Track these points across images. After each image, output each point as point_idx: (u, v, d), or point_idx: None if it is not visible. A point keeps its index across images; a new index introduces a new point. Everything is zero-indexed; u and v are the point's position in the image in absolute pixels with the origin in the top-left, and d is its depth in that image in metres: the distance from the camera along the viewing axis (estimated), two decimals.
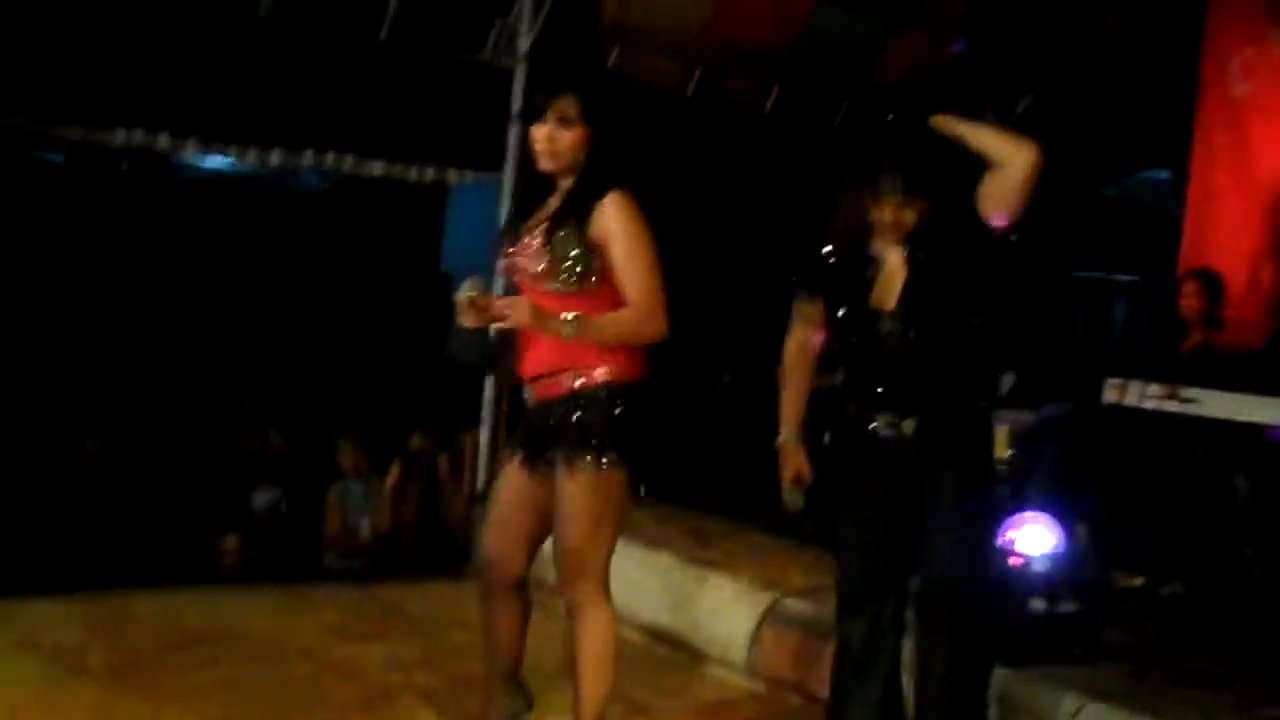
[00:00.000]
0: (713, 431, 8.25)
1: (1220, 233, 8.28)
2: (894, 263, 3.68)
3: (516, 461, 3.56)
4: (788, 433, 4.05)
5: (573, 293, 3.38)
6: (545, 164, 3.45)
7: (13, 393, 7.30)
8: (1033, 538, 4.68)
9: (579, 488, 3.36)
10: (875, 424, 3.69)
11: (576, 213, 3.38)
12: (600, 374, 3.39)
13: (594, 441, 3.35)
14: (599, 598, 3.50)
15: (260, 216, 9.54)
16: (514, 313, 3.30)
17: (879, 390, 3.69)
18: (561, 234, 3.37)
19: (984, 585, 3.81)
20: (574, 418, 3.38)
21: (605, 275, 3.39)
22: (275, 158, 7.26)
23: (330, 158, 7.42)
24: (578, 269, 3.36)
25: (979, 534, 3.78)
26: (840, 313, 3.79)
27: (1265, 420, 5.42)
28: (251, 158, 7.22)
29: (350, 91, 7.36)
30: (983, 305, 3.68)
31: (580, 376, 3.40)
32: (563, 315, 3.30)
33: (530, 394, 3.53)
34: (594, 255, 3.36)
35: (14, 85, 6.62)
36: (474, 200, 8.37)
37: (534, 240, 3.43)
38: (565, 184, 3.48)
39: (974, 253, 3.62)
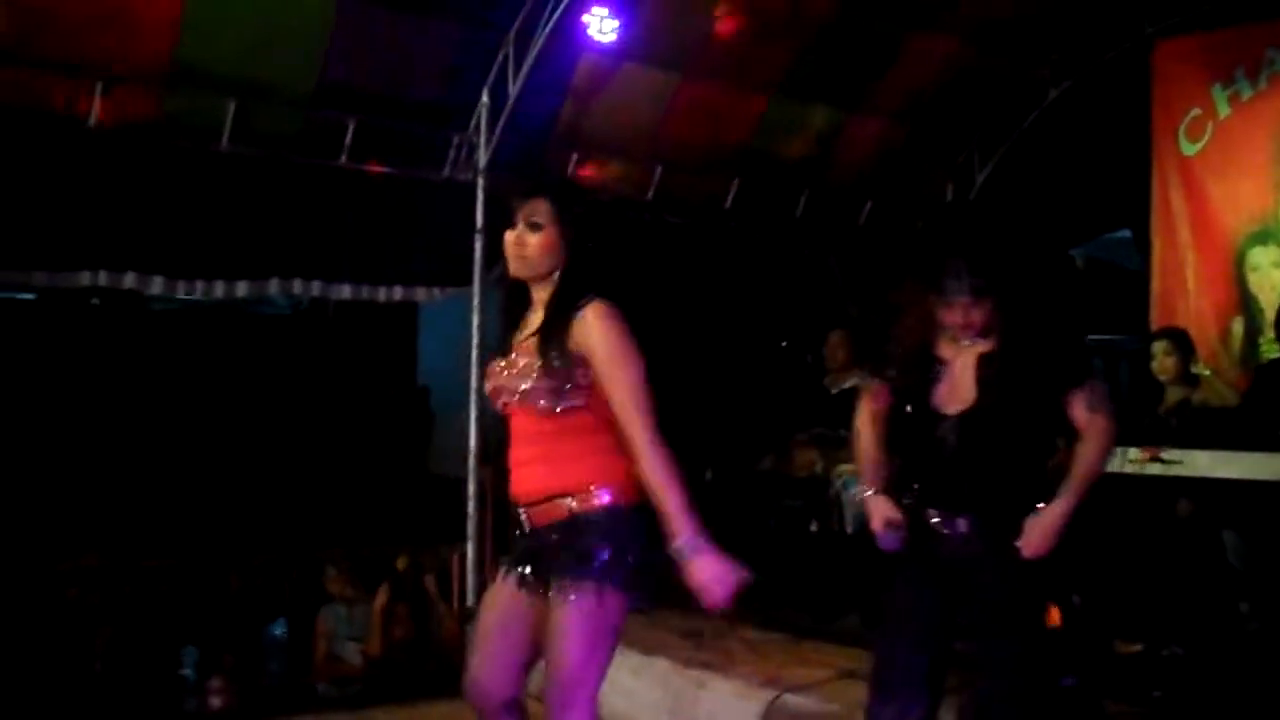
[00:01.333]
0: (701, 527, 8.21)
1: (1187, 291, 8.38)
2: (960, 367, 3.73)
3: (508, 580, 3.43)
4: (871, 490, 4.02)
5: (560, 411, 3.29)
6: (514, 268, 3.38)
7: None
8: None
9: (576, 615, 3.22)
10: (928, 517, 3.73)
11: (557, 326, 3.30)
12: (600, 498, 3.27)
13: (594, 568, 3.22)
14: None
15: (235, 342, 9.53)
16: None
17: (935, 487, 3.75)
18: (547, 350, 3.29)
19: (1042, 691, 3.83)
20: (574, 544, 3.26)
21: (591, 389, 3.29)
22: (242, 289, 7.26)
23: (296, 284, 7.42)
24: (563, 385, 3.27)
25: (1037, 639, 3.77)
26: (904, 409, 3.86)
27: (1248, 476, 5.43)
28: (219, 290, 7.21)
29: (313, 216, 7.40)
30: (1049, 420, 3.76)
31: (578, 500, 3.28)
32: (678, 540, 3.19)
33: (525, 517, 3.38)
34: (576, 369, 3.27)
35: None
36: (446, 312, 8.39)
37: (519, 359, 3.35)
38: (541, 294, 3.40)
39: (1042, 375, 3.69)
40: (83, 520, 7.69)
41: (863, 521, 6.37)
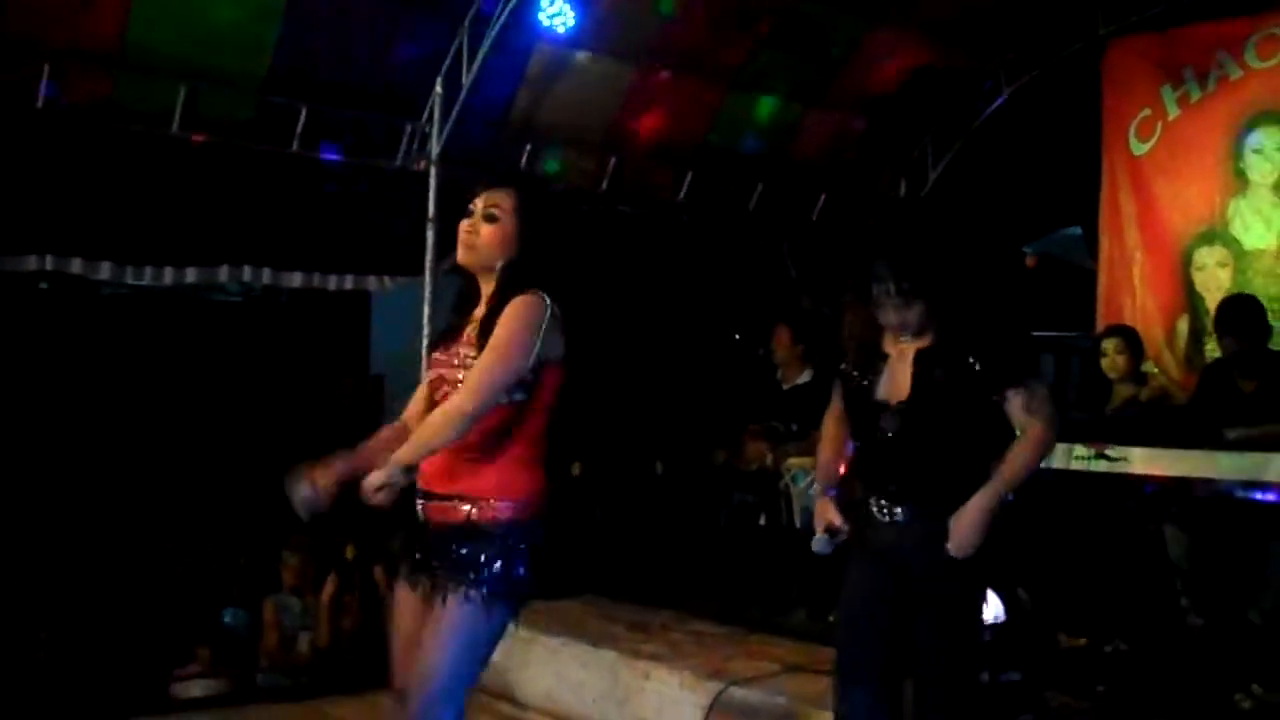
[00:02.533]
0: (650, 521, 8.23)
1: (1134, 289, 8.45)
2: (900, 362, 3.77)
3: (407, 579, 3.37)
4: (819, 487, 4.08)
5: (500, 404, 3.22)
6: (462, 256, 3.35)
7: None
8: None
9: (457, 620, 3.19)
10: (871, 505, 3.77)
11: (494, 319, 3.23)
12: (499, 510, 3.23)
13: (482, 579, 3.19)
14: None
15: (186, 327, 9.43)
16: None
17: (876, 475, 3.79)
18: (483, 343, 3.22)
19: (972, 683, 3.87)
20: (465, 551, 3.21)
21: (531, 388, 3.25)
22: (191, 275, 7.20)
23: (247, 271, 7.37)
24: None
25: (969, 631, 3.80)
26: (852, 404, 3.90)
27: (1192, 474, 5.49)
28: (168, 276, 7.14)
29: (264, 203, 7.34)
30: (989, 415, 3.75)
31: (477, 508, 3.23)
32: (389, 465, 3.12)
33: (422, 507, 3.33)
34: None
35: None
36: (401, 301, 8.34)
37: (463, 349, 3.30)
38: (486, 287, 3.36)
39: (977, 372, 3.69)
40: (31, 507, 7.61)
41: (811, 516, 6.44)
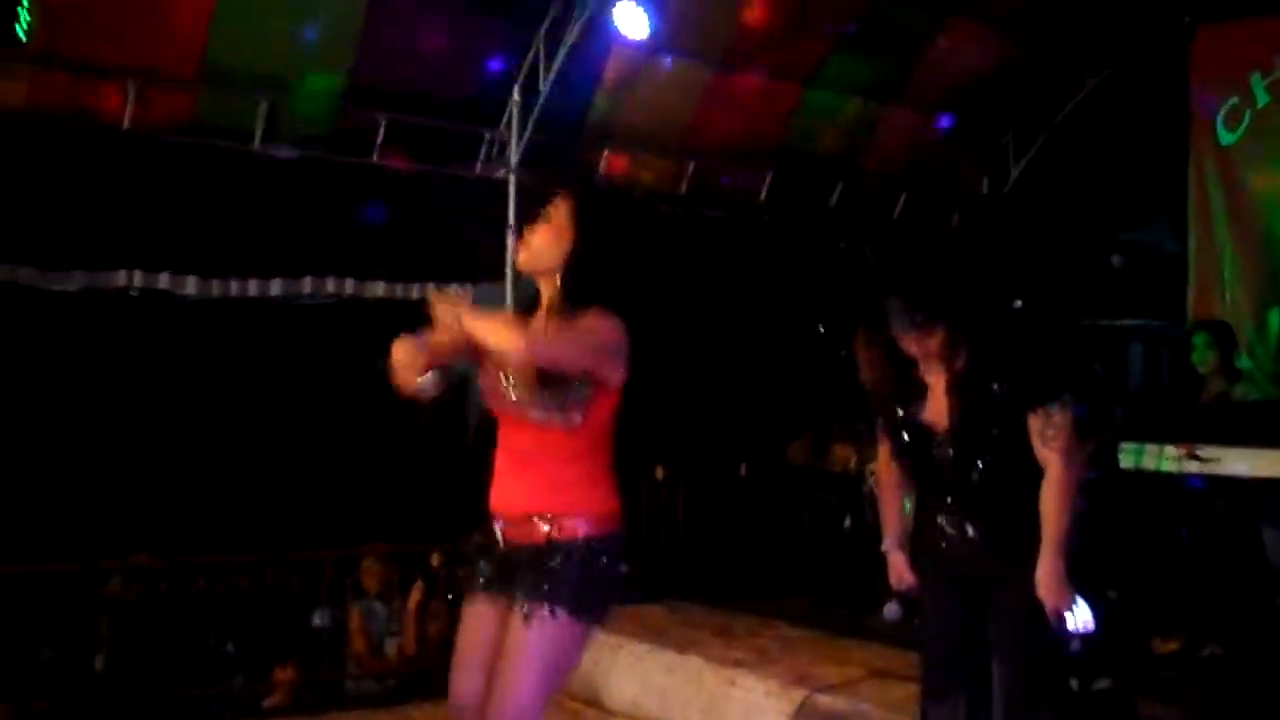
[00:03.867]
0: (734, 523, 8.20)
1: (1223, 282, 8.29)
2: (939, 389, 3.74)
3: (482, 595, 3.33)
4: (889, 542, 4.03)
5: (555, 423, 3.20)
6: (520, 260, 3.34)
7: (43, 527, 7.28)
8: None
9: (535, 637, 3.17)
10: (941, 521, 3.75)
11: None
12: (576, 527, 3.21)
13: (562, 596, 3.17)
14: None
15: (272, 332, 9.53)
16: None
17: (943, 497, 3.76)
18: None
19: (1056, 692, 3.84)
20: (545, 569, 3.19)
21: (589, 405, 3.21)
22: (275, 287, 7.32)
23: (330, 283, 7.46)
24: (559, 396, 3.19)
25: (1045, 640, 3.76)
26: (902, 439, 3.85)
27: None
28: (252, 288, 7.26)
29: (345, 214, 7.43)
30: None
31: (555, 526, 3.21)
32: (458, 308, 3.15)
33: (500, 530, 3.32)
34: (573, 381, 3.19)
35: (19, 240, 6.71)
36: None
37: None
38: (547, 292, 3.33)
39: (1004, 396, 3.65)
40: (119, 516, 7.72)
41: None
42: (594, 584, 3.23)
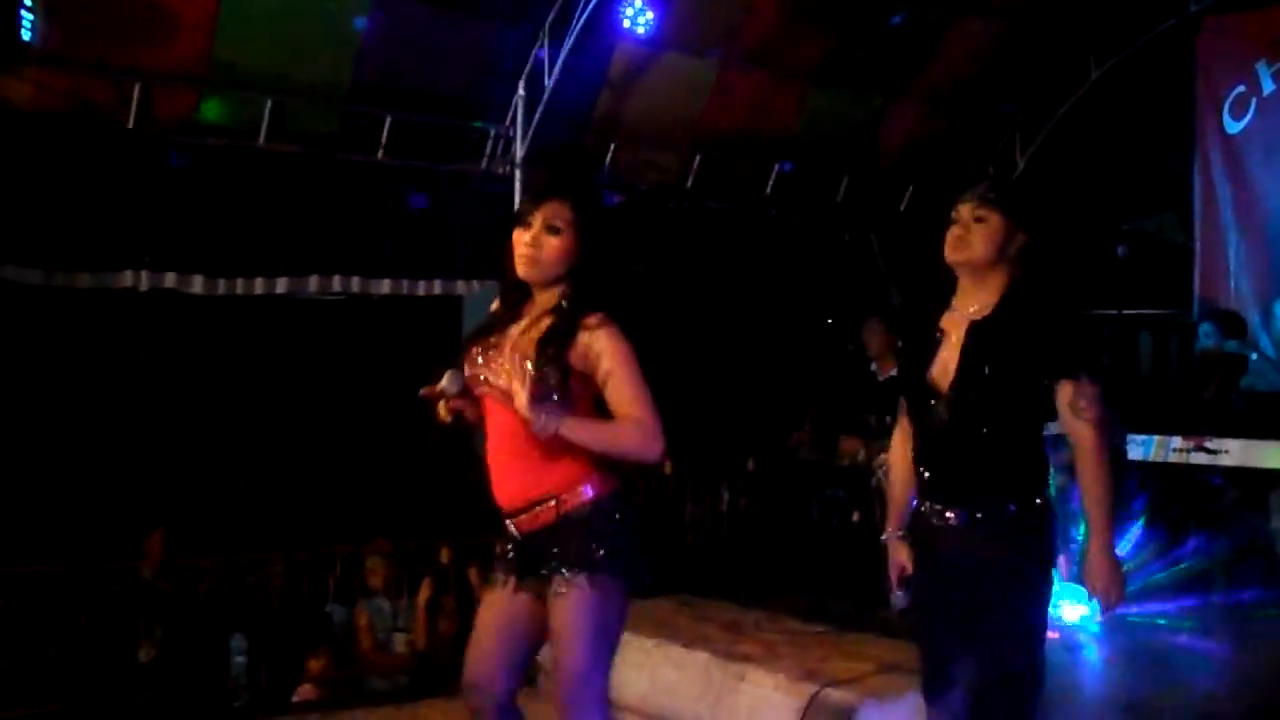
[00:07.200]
0: (742, 518, 8.21)
1: (1229, 271, 8.28)
2: (954, 338, 3.48)
3: (505, 585, 3.37)
4: (889, 532, 3.81)
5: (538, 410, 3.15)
6: (525, 270, 3.27)
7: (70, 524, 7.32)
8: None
9: (578, 612, 3.21)
10: (925, 511, 3.57)
11: (562, 336, 3.22)
12: (583, 494, 3.25)
13: (589, 562, 3.21)
14: None
15: (280, 327, 9.54)
16: (517, 400, 3.10)
17: (927, 475, 3.56)
18: (545, 358, 3.20)
19: (1034, 691, 3.70)
20: (565, 543, 3.23)
21: (576, 402, 3.23)
22: (281, 285, 7.33)
23: (336, 281, 7.48)
24: (554, 395, 3.19)
25: (1031, 637, 3.64)
26: (906, 388, 3.61)
27: None
28: (258, 287, 7.28)
29: (350, 212, 7.44)
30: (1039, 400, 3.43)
31: (562, 501, 3.24)
32: (544, 414, 3.11)
33: (511, 526, 3.34)
34: (571, 380, 3.21)
35: (26, 241, 6.72)
36: (491, 302, 8.35)
37: (513, 359, 3.22)
38: (542, 297, 3.31)
39: (1038, 346, 3.38)
40: (126, 515, 7.74)
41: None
42: (614, 542, 3.24)
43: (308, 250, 7.36)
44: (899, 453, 3.75)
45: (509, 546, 3.37)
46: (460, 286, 7.94)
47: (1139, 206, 9.90)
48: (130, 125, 6.65)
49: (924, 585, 3.65)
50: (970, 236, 3.42)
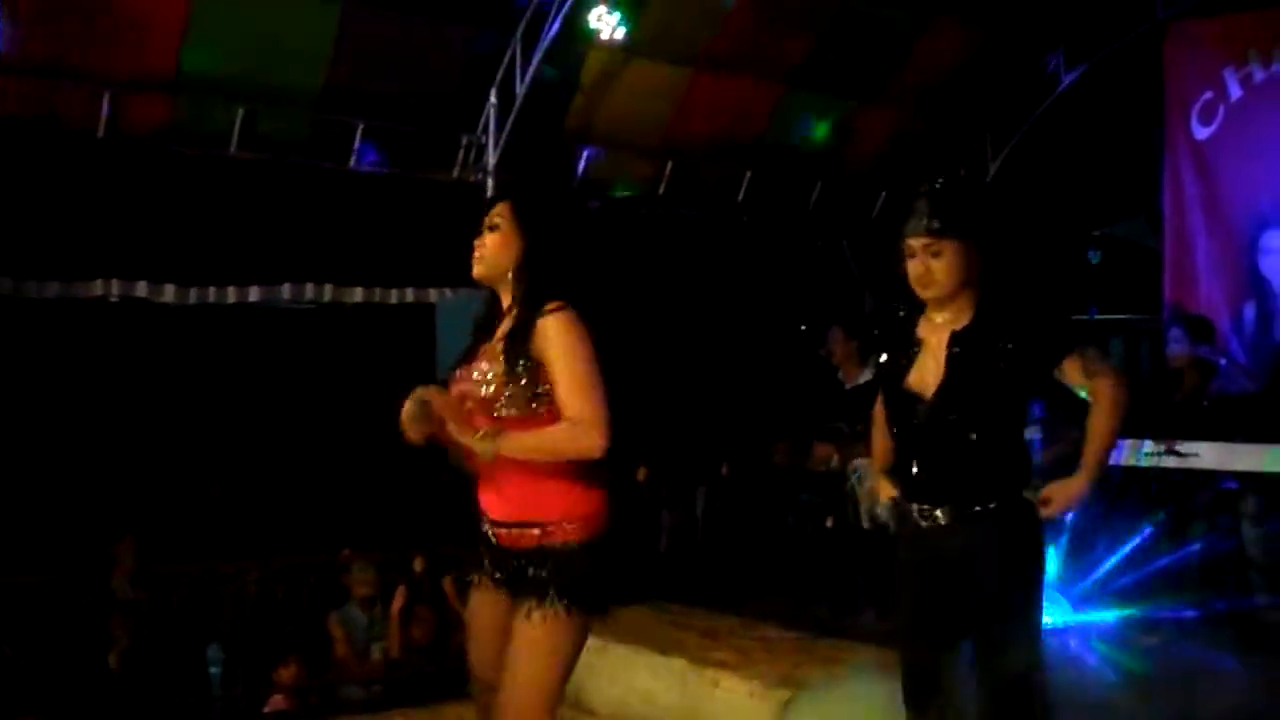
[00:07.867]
0: (717, 524, 8.22)
1: (1198, 275, 8.33)
2: (934, 345, 3.52)
3: (484, 587, 3.41)
4: (877, 467, 3.85)
5: (523, 417, 3.22)
6: (476, 271, 3.35)
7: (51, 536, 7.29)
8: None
9: (537, 634, 3.25)
10: (911, 511, 3.57)
11: (520, 330, 3.25)
12: (567, 531, 3.25)
13: (558, 596, 3.23)
14: None
15: (253, 336, 9.50)
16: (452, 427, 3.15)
17: (915, 475, 3.57)
18: (511, 355, 3.23)
19: (1038, 685, 3.70)
20: (539, 572, 3.25)
21: (553, 397, 3.23)
22: (253, 294, 7.31)
23: (308, 289, 7.46)
24: (526, 392, 3.22)
25: (1027, 631, 3.64)
26: (886, 391, 3.65)
27: (1262, 469, 5.39)
28: (230, 295, 7.25)
29: (323, 220, 7.42)
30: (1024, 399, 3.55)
31: (545, 532, 3.25)
32: (477, 433, 3.16)
33: (492, 533, 3.36)
34: (540, 375, 3.22)
35: None
36: (465, 310, 8.33)
37: (485, 363, 3.28)
38: (507, 298, 3.35)
39: (1018, 351, 3.43)
40: (100, 525, 7.70)
41: (875, 516, 6.38)
42: (585, 584, 3.26)
43: (280, 258, 7.34)
44: (880, 446, 3.79)
45: (484, 551, 3.38)
46: (433, 294, 7.94)
47: (1111, 212, 9.98)
48: (100, 134, 6.61)
49: (910, 587, 3.65)
50: (932, 274, 3.46)
